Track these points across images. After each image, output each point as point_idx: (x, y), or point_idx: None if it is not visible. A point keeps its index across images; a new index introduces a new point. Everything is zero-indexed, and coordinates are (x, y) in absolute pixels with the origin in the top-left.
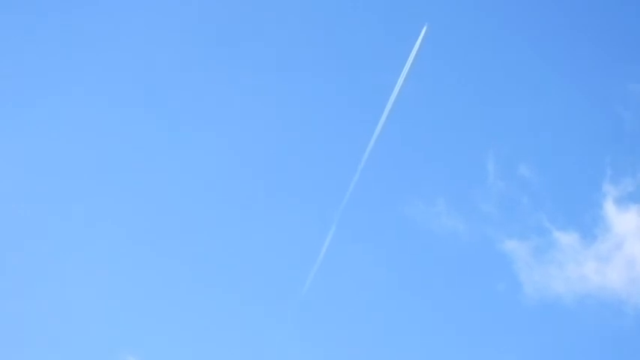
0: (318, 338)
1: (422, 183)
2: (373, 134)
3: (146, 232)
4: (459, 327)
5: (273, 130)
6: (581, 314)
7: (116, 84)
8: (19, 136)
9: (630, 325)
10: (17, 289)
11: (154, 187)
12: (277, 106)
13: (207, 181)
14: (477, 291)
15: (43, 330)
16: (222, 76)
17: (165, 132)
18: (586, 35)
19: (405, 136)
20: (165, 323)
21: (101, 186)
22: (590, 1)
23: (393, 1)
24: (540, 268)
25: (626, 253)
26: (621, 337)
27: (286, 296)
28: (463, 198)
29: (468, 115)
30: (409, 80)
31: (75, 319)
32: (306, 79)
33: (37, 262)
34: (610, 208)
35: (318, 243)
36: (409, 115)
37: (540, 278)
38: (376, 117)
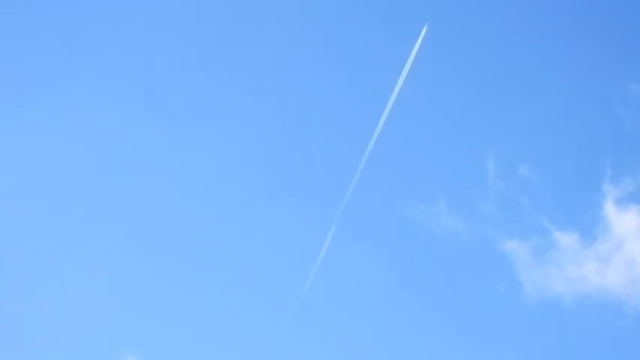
0: (318, 338)
1: (422, 183)
2: (373, 134)
3: (146, 232)
4: (459, 327)
5: (273, 130)
6: (581, 315)
7: (116, 84)
8: (19, 136)
9: (630, 325)
10: (17, 289)
11: (154, 187)
12: (277, 106)
13: (207, 181)
14: (476, 291)
15: (43, 330)
16: (222, 76)
17: (165, 132)
18: (586, 35)
19: (405, 137)
20: (165, 323)
21: (101, 186)
22: (590, 1)
23: (393, 1)
24: (540, 268)
25: (626, 254)
26: (621, 337)
27: (286, 296)
28: (463, 198)
29: (468, 115)
30: (409, 80)
31: (75, 319)
32: (306, 79)
33: (37, 262)
34: (610, 209)
35: (318, 243)
36: (409, 116)
37: (540, 278)
38: (376, 117)
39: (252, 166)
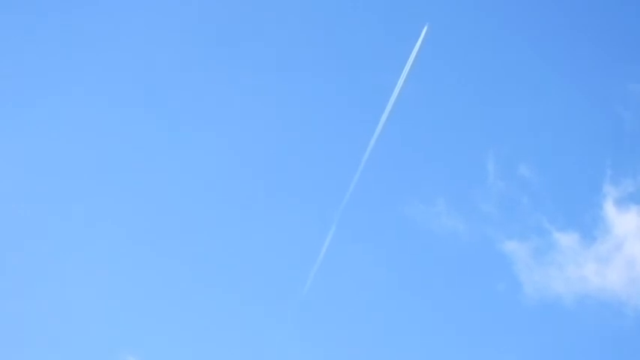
0: (318, 338)
1: (422, 183)
2: (373, 134)
3: (146, 232)
4: (459, 327)
5: (273, 130)
6: (581, 315)
7: (116, 84)
8: (19, 136)
9: (630, 325)
10: (17, 289)
11: (154, 187)
12: (277, 106)
13: (207, 181)
14: (476, 291)
15: (43, 330)
16: (222, 76)
17: (165, 132)
18: (586, 35)
19: (405, 137)
20: (166, 323)
21: (101, 186)
22: (590, 1)
23: (393, 1)
24: (540, 268)
25: (626, 254)
26: (621, 337)
27: (286, 296)
28: (463, 198)
29: (468, 116)
30: (409, 80)
31: (75, 319)
32: (306, 79)
33: (37, 262)
34: (610, 209)
35: (318, 243)
36: (409, 116)
37: (540, 279)
38: (376, 117)
39: (252, 166)
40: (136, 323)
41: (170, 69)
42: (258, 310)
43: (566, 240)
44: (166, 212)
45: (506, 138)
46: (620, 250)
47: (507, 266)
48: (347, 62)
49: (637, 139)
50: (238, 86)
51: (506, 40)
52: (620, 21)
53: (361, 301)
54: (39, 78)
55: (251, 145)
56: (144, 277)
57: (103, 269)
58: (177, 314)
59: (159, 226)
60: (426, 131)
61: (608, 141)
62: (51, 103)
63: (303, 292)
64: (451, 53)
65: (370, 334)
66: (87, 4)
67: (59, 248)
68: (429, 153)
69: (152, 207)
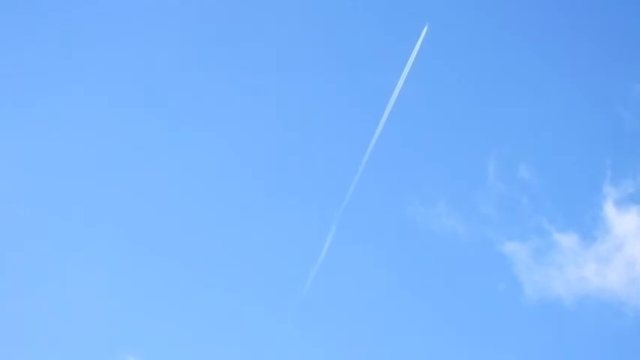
0: (318, 338)
1: (422, 184)
2: (374, 135)
3: (146, 232)
4: (459, 328)
5: (273, 130)
6: (581, 315)
7: (116, 84)
8: (19, 136)
9: (630, 326)
10: (17, 289)
11: (154, 187)
12: (277, 106)
13: (207, 182)
14: (477, 292)
15: (43, 330)
16: (222, 76)
17: (165, 132)
18: (586, 35)
19: (406, 137)
20: (166, 323)
21: (101, 186)
22: (590, 1)
23: (393, 1)
24: (540, 269)
25: (626, 255)
26: (621, 338)
27: (287, 297)
28: (463, 199)
29: (468, 116)
30: (410, 81)
31: (75, 319)
32: (306, 79)
33: (37, 262)
34: (610, 210)
35: (318, 243)
36: (409, 116)
37: (540, 279)
38: (377, 117)
39: (253, 166)
40: (136, 323)
41: (170, 69)
42: (259, 310)
43: (566, 241)
44: (166, 212)
45: (507, 139)
46: (620, 251)
47: (507, 267)
48: (347, 62)
49: (637, 140)
50: (238, 86)
51: (506, 40)
52: (621, 21)
53: (361, 302)
54: (39, 78)
55: (251, 145)
56: (144, 277)
57: (103, 269)
58: (177, 314)
59: (159, 226)
60: (426, 132)
61: (608, 141)
62: (51, 103)
63: (303, 292)
64: (451, 53)
65: (370, 335)
66: (87, 4)
67: (59, 248)
68: (429, 154)
69: (152, 207)
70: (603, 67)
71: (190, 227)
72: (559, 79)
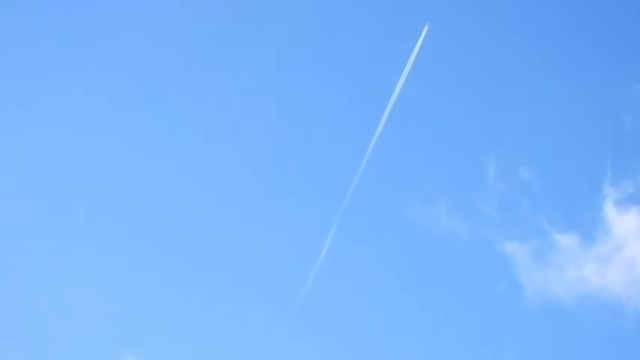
0: (318, 339)
1: (422, 184)
2: (374, 135)
3: (146, 232)
4: (459, 328)
5: (273, 131)
6: (582, 316)
7: (116, 84)
8: (19, 136)
9: (630, 326)
10: (17, 289)
11: (154, 187)
12: (277, 106)
13: (207, 182)
14: (477, 292)
15: (43, 330)
16: (222, 76)
17: (165, 132)
18: (586, 35)
19: (406, 137)
20: (166, 324)
21: (101, 186)
22: (590, 1)
23: (393, 1)
24: (540, 269)
25: (627, 255)
26: (621, 338)
27: (287, 297)
28: (463, 199)
29: (468, 116)
30: (410, 81)
31: (75, 319)
32: (306, 79)
33: (37, 262)
34: (610, 210)
35: (318, 244)
36: (410, 116)
37: (540, 280)
38: (377, 118)
39: (252, 166)
40: (136, 323)
41: (170, 69)
42: (259, 310)
43: (567, 241)
44: (166, 212)
45: (507, 139)
46: (620, 251)
47: (507, 267)
48: (347, 62)
49: (637, 140)
50: (238, 86)
51: (506, 40)
52: (621, 21)
53: (361, 302)
54: (39, 78)
55: (251, 145)
56: (144, 277)
57: (103, 269)
58: (177, 315)
59: (159, 227)
60: (426, 132)
61: (608, 142)
62: (51, 103)
63: (303, 293)
64: (451, 53)
65: (370, 335)
66: (87, 4)
67: (59, 248)
68: (429, 154)
69: (152, 207)
70: (603, 67)
71: (190, 227)
72: (559, 79)
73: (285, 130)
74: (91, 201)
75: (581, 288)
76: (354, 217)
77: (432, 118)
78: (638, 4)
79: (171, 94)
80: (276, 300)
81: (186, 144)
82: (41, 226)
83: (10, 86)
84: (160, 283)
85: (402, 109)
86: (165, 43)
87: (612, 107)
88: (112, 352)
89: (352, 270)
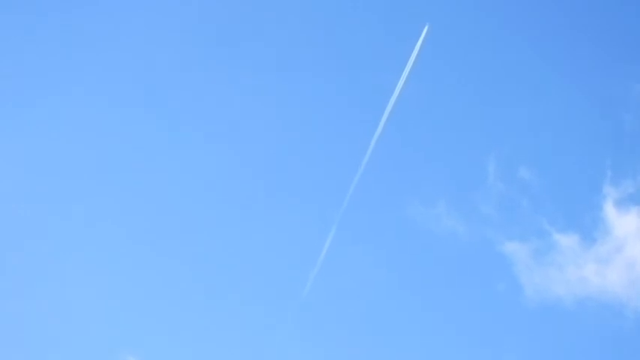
0: (318, 339)
1: (422, 184)
2: (374, 135)
3: (146, 232)
4: (459, 329)
5: (273, 131)
6: (582, 316)
7: (116, 84)
8: (19, 136)
9: (630, 327)
10: (17, 289)
11: (154, 187)
12: (277, 106)
13: (207, 182)
14: (477, 293)
15: (43, 330)
16: (222, 76)
17: (165, 132)
18: (586, 36)
19: (406, 137)
20: (166, 324)
21: (101, 186)
22: (590, 1)
23: (393, 1)
24: (540, 270)
25: (627, 255)
26: (621, 339)
27: (287, 297)
28: (463, 200)
29: (468, 116)
30: (410, 81)
31: (75, 319)
32: (306, 79)
33: (37, 262)
34: (610, 210)
35: (318, 244)
36: (410, 116)
37: (540, 280)
38: (377, 118)
39: (253, 166)
40: (136, 323)
41: (170, 69)
42: (259, 311)
43: (566, 241)
44: (166, 212)
45: (507, 139)
46: (620, 252)
47: (507, 267)
48: (347, 62)
49: (637, 140)
50: (238, 86)
51: (506, 40)
52: (621, 21)
53: (361, 302)
54: (39, 78)
55: (251, 145)
56: (144, 277)
57: (103, 269)
58: (177, 315)
59: (159, 227)
60: (426, 132)
61: (608, 142)
62: (51, 103)
63: (303, 293)
64: (451, 53)
65: (370, 335)
66: (87, 4)
67: (59, 248)
68: (429, 154)
69: (152, 207)
70: (603, 67)
71: (190, 228)
72: (559, 79)
73: (285, 130)
74: (91, 201)
75: (581, 288)
76: (354, 217)
77: (432, 118)
78: (638, 4)
79: (171, 94)
80: (276, 300)
81: (186, 144)
82: (41, 226)
83: (10, 86)
84: (159, 283)
85: (402, 109)
86: (166, 43)
87: (612, 107)
88: (112, 352)
89: (352, 270)
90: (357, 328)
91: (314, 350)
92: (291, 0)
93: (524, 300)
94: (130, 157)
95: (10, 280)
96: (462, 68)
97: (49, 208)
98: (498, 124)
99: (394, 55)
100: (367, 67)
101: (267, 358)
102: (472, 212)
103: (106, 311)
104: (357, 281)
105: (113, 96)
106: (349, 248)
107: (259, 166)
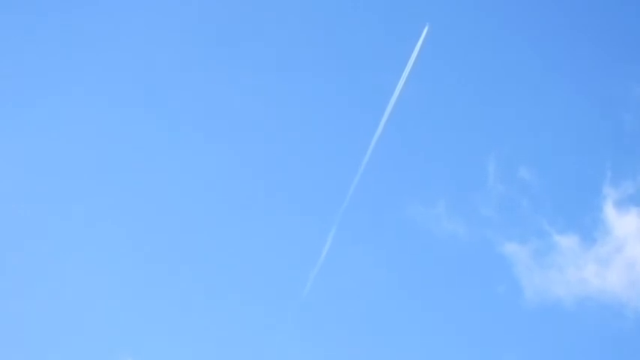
0: (318, 340)
1: (422, 185)
2: (374, 135)
3: (146, 233)
4: (459, 330)
5: (273, 131)
6: (582, 317)
7: (116, 84)
8: (19, 136)
9: (630, 327)
10: (17, 289)
11: (154, 188)
12: (277, 106)
13: (207, 182)
14: (477, 294)
15: (43, 330)
16: (222, 76)
17: (165, 132)
18: (587, 36)
19: (406, 138)
20: (165, 325)
21: (101, 186)
22: (591, 1)
23: (393, 1)
24: (540, 270)
25: (627, 256)
26: (621, 339)
27: (287, 298)
28: (463, 200)
29: (468, 116)
30: (410, 81)
31: (74, 320)
32: (306, 79)
33: (37, 262)
34: (610, 211)
35: (318, 244)
36: (410, 117)
37: (540, 281)
38: (377, 118)
39: (252, 166)
40: (136, 324)
41: (170, 69)
42: (259, 311)
43: (566, 242)
44: (166, 213)
45: (507, 139)
46: (620, 252)
47: (507, 268)
48: (347, 62)
49: (637, 141)
50: (238, 86)
51: (506, 40)
52: (621, 21)
53: (361, 303)
54: (39, 78)
55: (251, 145)
56: (144, 277)
57: (103, 269)
58: (177, 315)
59: (159, 227)
60: (426, 133)
61: (608, 142)
62: (51, 103)
63: (303, 293)
64: (451, 53)
65: (370, 335)
66: (87, 4)
67: (59, 248)
68: (429, 154)
69: (152, 207)
70: (603, 67)
71: (190, 228)
72: (559, 79)
73: (285, 130)
74: (91, 201)
75: (581, 289)
76: (355, 218)
77: (432, 119)
78: (638, 4)
79: (171, 94)
80: (276, 300)
81: (186, 144)
82: (41, 226)
83: (10, 86)
84: (159, 283)
85: (402, 109)
86: (166, 43)
87: (612, 107)
88: (112, 353)
89: (352, 270)
90: (357, 328)
91: (314, 350)
92: (291, 0)
93: (524, 301)
94: (130, 157)
95: (10, 280)
96: (462, 68)
97: (49, 208)
98: (498, 124)
99: (394, 55)
100: (367, 67)
101: (267, 358)
102: (472, 213)
103: (106, 312)
104: (357, 281)
105: (113, 96)
106: (349, 248)
107: (259, 166)
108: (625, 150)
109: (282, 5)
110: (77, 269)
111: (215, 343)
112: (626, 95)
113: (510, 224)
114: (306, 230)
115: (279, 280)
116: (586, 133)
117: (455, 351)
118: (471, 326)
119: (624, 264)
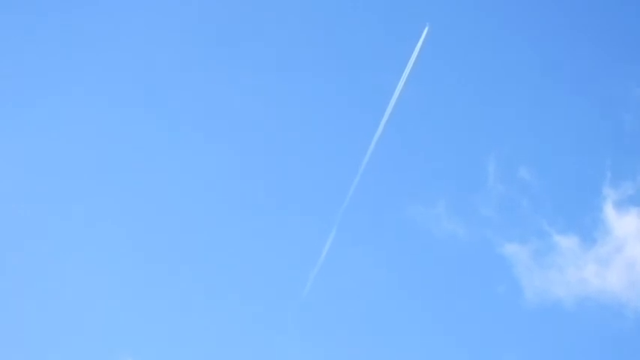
0: (318, 340)
1: (422, 185)
2: (374, 136)
3: (146, 233)
4: (459, 330)
5: (273, 131)
6: (582, 317)
7: (116, 84)
8: (19, 136)
9: (630, 327)
10: (17, 289)
11: (154, 188)
12: (277, 106)
13: (208, 182)
14: (477, 294)
15: (43, 330)
16: (222, 76)
17: (165, 132)
18: (587, 36)
19: (406, 138)
20: (165, 325)
21: (101, 186)
22: (591, 2)
23: (393, 1)
24: (540, 271)
25: (626, 256)
26: (621, 339)
27: (287, 298)
28: (463, 201)
29: (468, 117)
30: (410, 81)
31: (75, 320)
32: (306, 79)
33: (37, 262)
34: (610, 212)
35: (319, 245)
36: (410, 117)
37: (540, 281)
38: (377, 118)
39: (253, 166)
40: (136, 324)
41: (170, 69)
42: (259, 311)
43: (566, 242)
44: (166, 213)
45: (507, 139)
46: (620, 253)
47: (507, 269)
48: (347, 62)
49: (637, 141)
50: (238, 86)
51: (506, 40)
52: (621, 22)
53: (361, 303)
54: (39, 78)
55: (251, 145)
56: (144, 278)
57: (103, 269)
58: (177, 316)
59: (159, 227)
60: (426, 133)
61: (608, 143)
62: (51, 103)
63: (303, 293)
64: (451, 53)
65: (370, 335)
66: (87, 4)
67: (59, 248)
68: (429, 155)
69: (152, 207)
70: (603, 68)
71: (190, 228)
72: (559, 79)
73: (285, 131)
74: (91, 201)
75: (581, 289)
76: (355, 218)
77: (432, 119)
78: (638, 4)
79: (171, 94)
80: (276, 300)
81: (186, 144)
82: (41, 226)
83: (10, 86)
84: (159, 283)
85: (403, 109)
86: (166, 43)
87: (612, 107)
88: (112, 353)
89: (352, 271)
90: (357, 329)
91: (314, 350)
92: (291, 0)
93: (524, 301)
94: (130, 157)
95: (10, 280)
96: (462, 68)
97: (49, 208)
98: (498, 124)
99: (394, 56)
100: (367, 67)
101: (267, 358)
102: (472, 213)
103: (106, 312)
104: (357, 282)
105: (113, 96)
106: (349, 249)
107: (259, 167)
108: (625, 150)
109: (282, 5)
110: (77, 269)
111: (215, 343)
112: (626, 95)
113: (510, 224)
114: (306, 230)
115: (279, 280)
116: (586, 133)
117: (455, 351)
118: (471, 326)
119: (624, 264)
